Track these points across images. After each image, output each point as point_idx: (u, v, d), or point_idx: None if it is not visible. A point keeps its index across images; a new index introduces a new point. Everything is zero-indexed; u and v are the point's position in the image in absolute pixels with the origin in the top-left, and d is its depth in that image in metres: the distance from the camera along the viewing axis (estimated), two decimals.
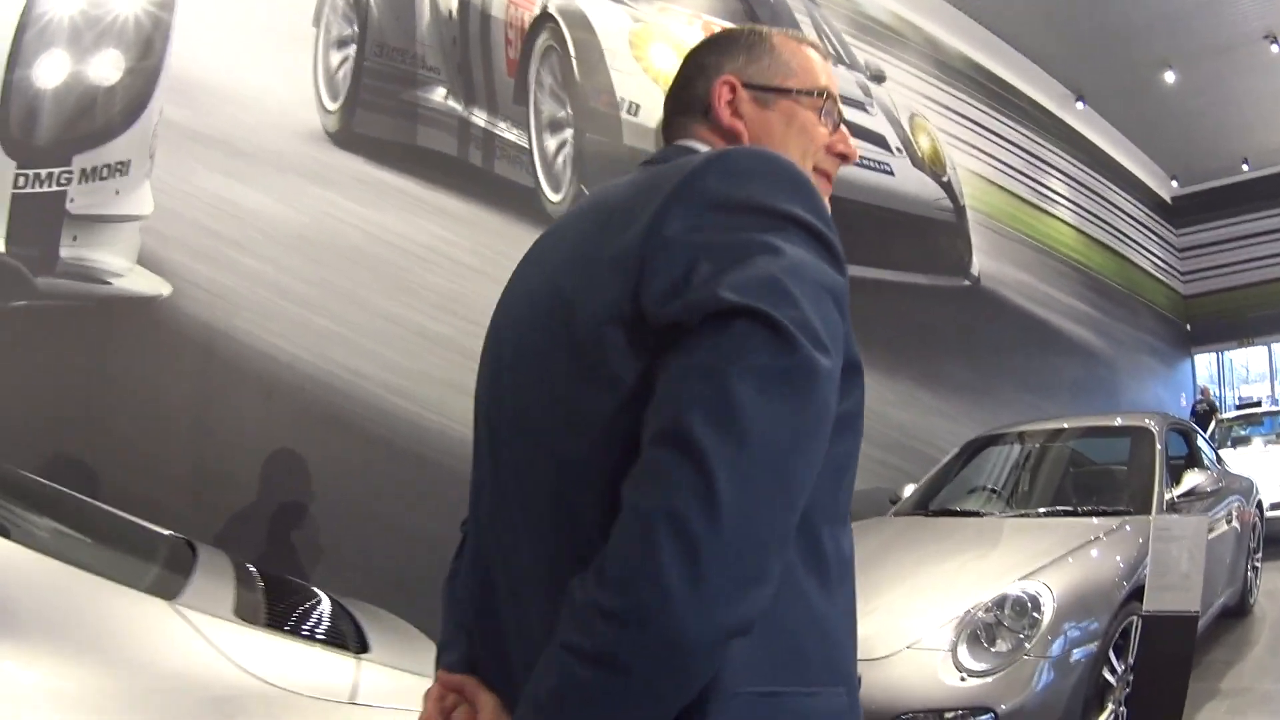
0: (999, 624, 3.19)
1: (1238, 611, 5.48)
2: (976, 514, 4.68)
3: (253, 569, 2.37)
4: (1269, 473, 7.22)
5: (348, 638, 2.13)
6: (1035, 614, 3.18)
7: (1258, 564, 5.98)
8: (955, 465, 5.31)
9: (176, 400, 3.78)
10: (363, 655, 2.02)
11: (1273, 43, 11.10)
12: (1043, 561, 3.53)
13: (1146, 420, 5.10)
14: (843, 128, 1.09)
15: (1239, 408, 16.03)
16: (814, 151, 1.06)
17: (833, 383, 0.78)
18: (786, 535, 0.75)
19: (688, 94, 1.08)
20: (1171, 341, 15.98)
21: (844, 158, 1.09)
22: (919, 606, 3.35)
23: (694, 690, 0.73)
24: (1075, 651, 3.21)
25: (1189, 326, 16.72)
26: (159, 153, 3.81)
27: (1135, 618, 3.53)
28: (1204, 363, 18.13)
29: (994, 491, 5.02)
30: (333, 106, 4.54)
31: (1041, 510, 4.55)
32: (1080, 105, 12.55)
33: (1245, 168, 15.61)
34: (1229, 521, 5.20)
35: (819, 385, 0.75)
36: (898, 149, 8.46)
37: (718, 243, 0.80)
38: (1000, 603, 3.24)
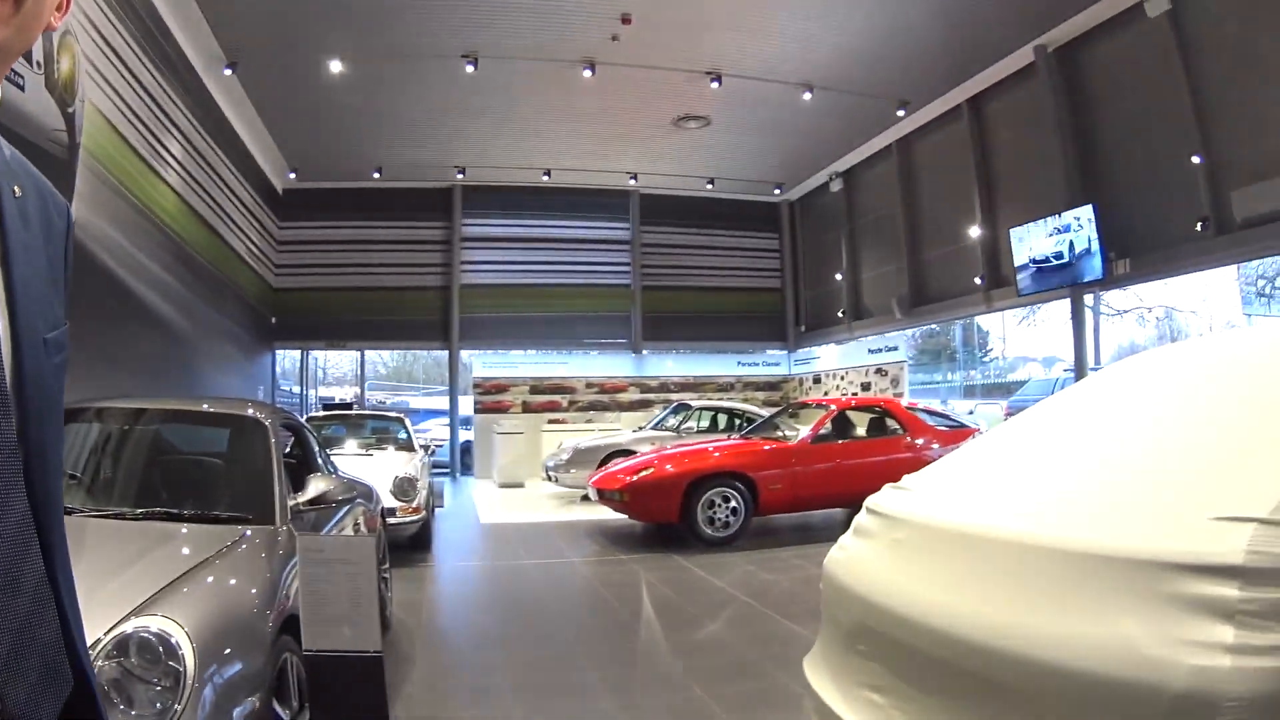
0: (131, 676, 2.31)
1: None
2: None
3: None
4: (374, 479, 6.93)
5: None
6: (172, 661, 2.36)
7: (387, 574, 5.67)
8: None
9: None
10: None
11: (469, 62, 11.77)
12: (160, 583, 2.67)
13: (257, 411, 4.30)
14: None
15: (326, 408, 16.69)
16: None
17: None
18: None
19: None
20: (255, 333, 16.02)
21: None
22: None
23: None
24: (237, 709, 2.51)
25: (274, 320, 17.02)
26: None
27: (290, 655, 2.94)
28: (285, 358, 18.75)
29: (73, 478, 3.78)
30: None
31: (139, 511, 3.48)
32: (227, 72, 11.88)
33: (376, 176, 16.56)
34: (357, 530, 4.82)
35: None
36: (38, 63, 6.96)
37: None
38: (122, 646, 2.34)
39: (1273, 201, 9.00)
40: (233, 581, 2.95)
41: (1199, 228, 9.91)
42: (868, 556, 2.64)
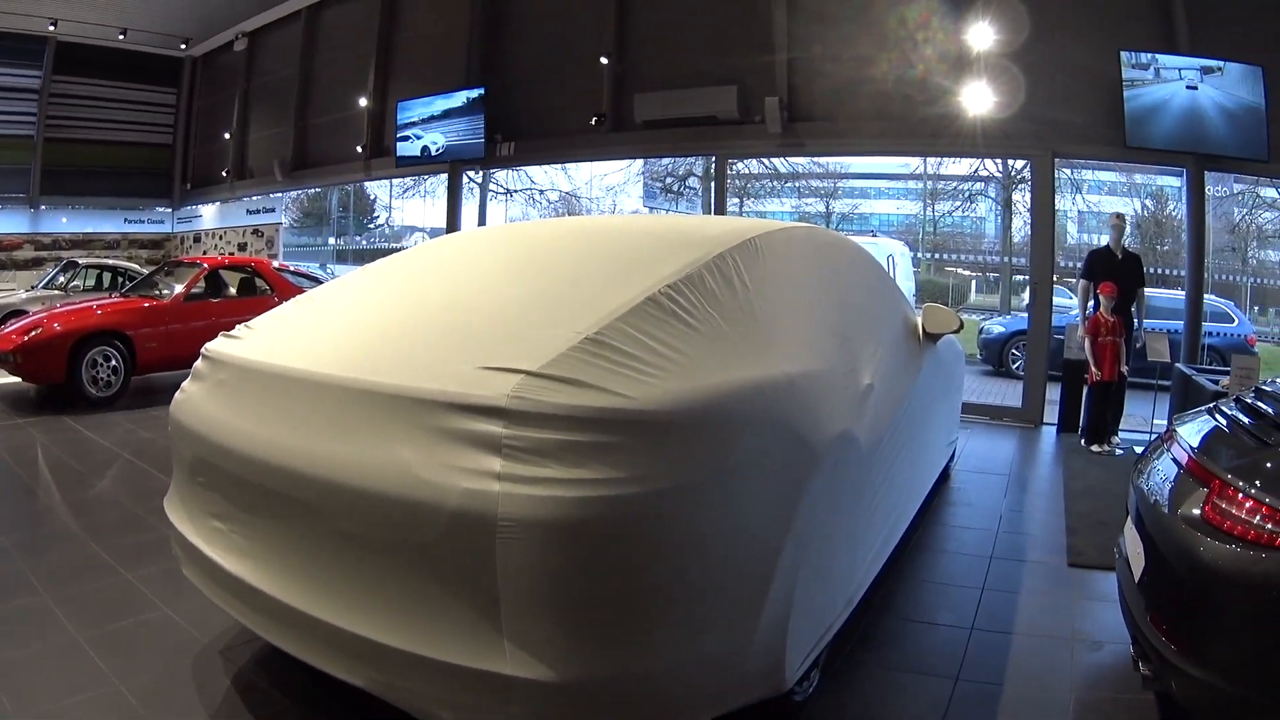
0: None
1: None
2: None
3: None
4: None
5: None
6: None
7: None
8: None
9: None
10: None
11: None
12: None
13: None
14: None
15: None
16: None
17: None
18: None
19: None
20: None
21: None
22: None
23: None
24: None
25: None
26: None
27: None
28: None
29: None
30: None
31: None
32: None
33: None
34: None
35: None
36: None
37: None
38: None
39: (670, 109, 10.58)
40: None
41: (594, 122, 11.34)
42: (201, 397, 2.85)
